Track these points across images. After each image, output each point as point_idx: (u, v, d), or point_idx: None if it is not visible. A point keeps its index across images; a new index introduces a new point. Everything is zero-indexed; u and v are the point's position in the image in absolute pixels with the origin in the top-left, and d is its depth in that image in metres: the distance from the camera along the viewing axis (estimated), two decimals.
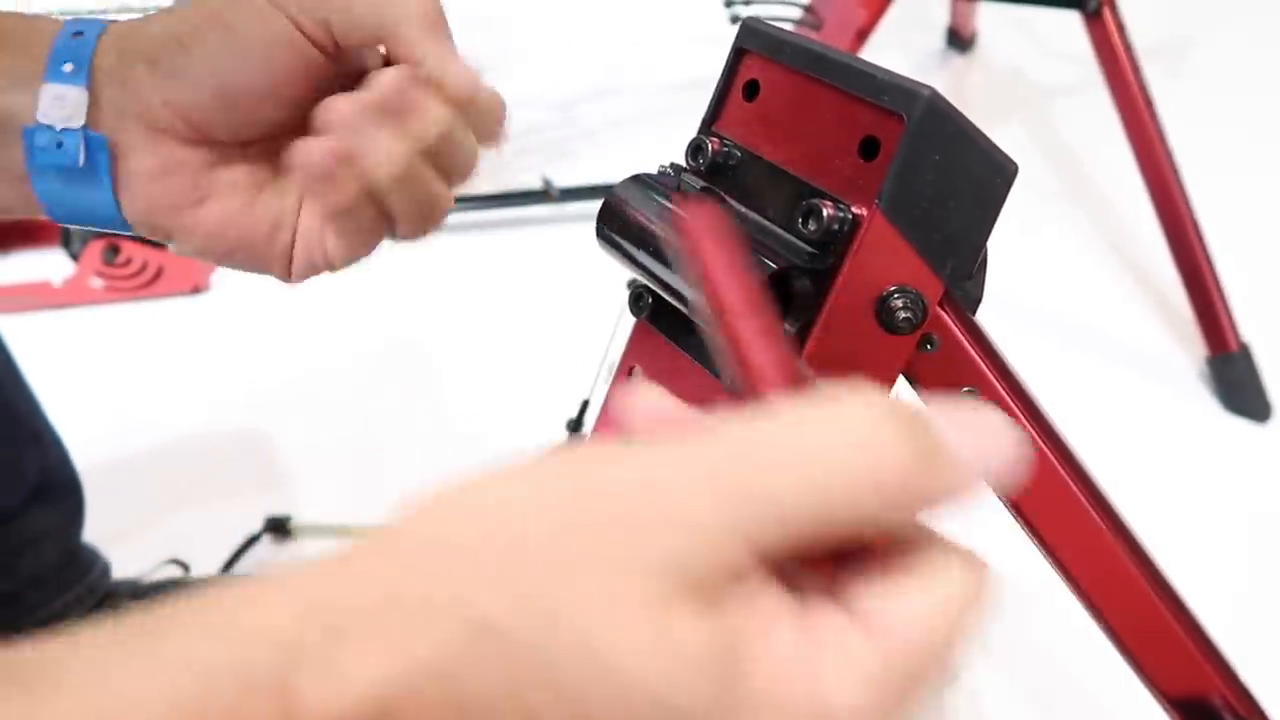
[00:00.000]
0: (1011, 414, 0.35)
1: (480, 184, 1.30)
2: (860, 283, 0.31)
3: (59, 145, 0.34)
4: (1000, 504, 0.35)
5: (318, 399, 1.03)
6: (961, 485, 0.20)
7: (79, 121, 0.33)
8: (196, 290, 1.17)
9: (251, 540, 0.86)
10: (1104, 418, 0.98)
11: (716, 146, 0.35)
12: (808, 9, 1.16)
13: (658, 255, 0.33)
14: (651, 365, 0.38)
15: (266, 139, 0.37)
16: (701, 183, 0.36)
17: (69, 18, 0.36)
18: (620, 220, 0.34)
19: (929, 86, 0.30)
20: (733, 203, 0.35)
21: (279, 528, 0.86)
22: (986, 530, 0.27)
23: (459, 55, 0.37)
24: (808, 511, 0.19)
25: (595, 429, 0.40)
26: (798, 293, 0.32)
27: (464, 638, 0.19)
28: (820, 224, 0.31)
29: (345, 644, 0.19)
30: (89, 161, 0.34)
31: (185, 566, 0.82)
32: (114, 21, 0.35)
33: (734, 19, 1.14)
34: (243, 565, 0.85)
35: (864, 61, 0.31)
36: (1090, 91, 1.22)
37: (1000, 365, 0.34)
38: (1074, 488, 0.34)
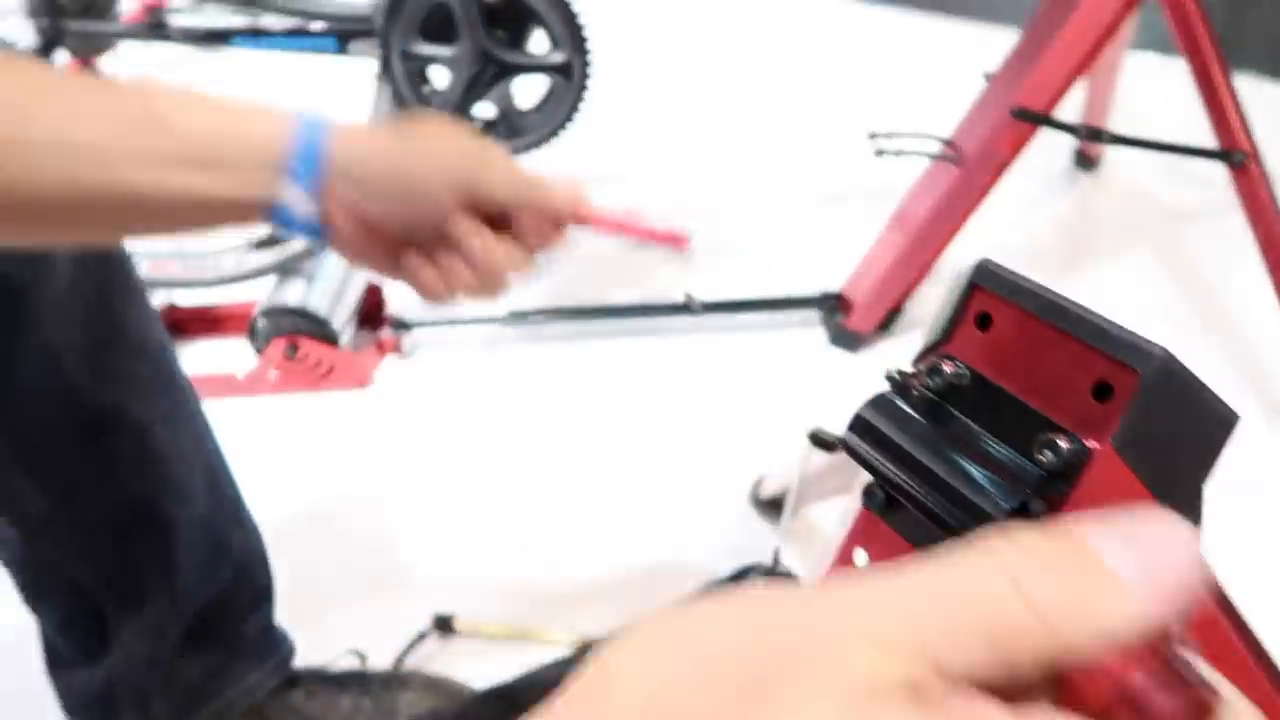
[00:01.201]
0: (1224, 626, 0.38)
1: (624, 293, 1.38)
2: (1090, 507, 0.36)
3: (297, 224, 0.55)
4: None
5: (477, 494, 1.10)
6: (1123, 614, 0.19)
7: (313, 211, 0.55)
8: (361, 385, 1.26)
9: (420, 636, 0.92)
10: (1241, 552, 0.98)
11: (952, 369, 0.39)
12: (947, 143, 1.22)
13: (908, 469, 0.38)
14: (877, 551, 0.42)
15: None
16: (933, 396, 0.41)
17: (297, 123, 0.55)
18: (872, 434, 0.39)
19: (1161, 346, 0.34)
20: (964, 420, 0.40)
21: (445, 625, 0.93)
22: None
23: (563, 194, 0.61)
24: (980, 648, 0.19)
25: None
26: (1033, 513, 0.36)
27: None
28: (1058, 455, 0.35)
29: None
30: (314, 232, 0.57)
31: (363, 657, 0.89)
32: (328, 130, 0.56)
33: (878, 152, 1.20)
34: (412, 659, 0.91)
35: (1098, 314, 0.36)
36: (1224, 216, 1.23)
37: (1213, 583, 0.37)
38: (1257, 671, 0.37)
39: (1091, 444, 0.35)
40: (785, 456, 1.02)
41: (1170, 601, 0.20)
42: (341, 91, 1.35)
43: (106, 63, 1.37)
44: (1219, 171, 1.08)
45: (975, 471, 0.37)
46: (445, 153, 0.57)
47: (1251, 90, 1.08)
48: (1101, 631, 0.19)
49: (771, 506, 1.03)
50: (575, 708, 0.20)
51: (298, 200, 0.53)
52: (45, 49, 1.23)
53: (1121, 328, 0.36)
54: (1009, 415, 0.38)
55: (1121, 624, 0.19)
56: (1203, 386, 0.35)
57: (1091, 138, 1.17)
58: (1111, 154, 1.71)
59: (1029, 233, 1.57)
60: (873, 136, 1.21)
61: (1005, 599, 0.19)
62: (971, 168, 1.17)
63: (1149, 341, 0.35)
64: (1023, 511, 0.36)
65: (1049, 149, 1.69)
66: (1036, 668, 0.19)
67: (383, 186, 0.55)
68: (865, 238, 1.35)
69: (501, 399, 1.21)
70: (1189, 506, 0.36)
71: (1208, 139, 1.09)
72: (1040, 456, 0.36)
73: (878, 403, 0.41)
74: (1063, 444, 0.35)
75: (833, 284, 1.33)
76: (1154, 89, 1.75)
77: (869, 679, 0.19)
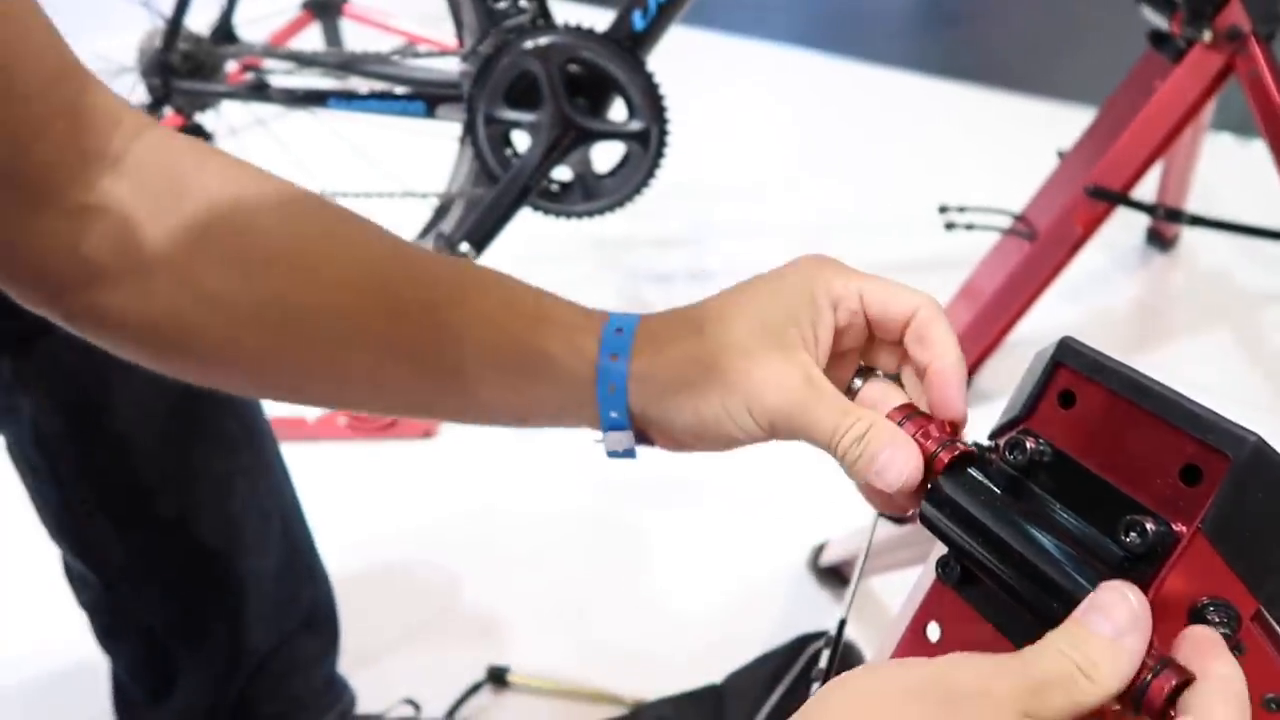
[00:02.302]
0: None
1: None
2: (1177, 592, 0.35)
3: (620, 452, 0.46)
4: None
5: (535, 548, 1.10)
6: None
7: (631, 445, 0.46)
8: (427, 435, 1.29)
9: (474, 688, 0.92)
10: None
11: (1034, 445, 0.39)
12: (1019, 219, 1.22)
13: (986, 544, 0.37)
14: (950, 625, 0.42)
15: None
16: (1013, 471, 0.40)
17: (598, 333, 0.46)
18: (950, 507, 0.39)
19: (1254, 433, 0.34)
20: (1044, 495, 0.39)
21: (499, 678, 0.93)
22: None
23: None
24: (1068, 708, 0.30)
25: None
26: None
27: None
28: (1144, 538, 0.35)
29: None
30: (639, 443, 0.47)
31: (417, 706, 0.89)
32: (619, 350, 0.45)
33: (949, 225, 1.20)
34: (465, 711, 0.91)
35: (1185, 397, 0.36)
36: None
37: None
38: None
39: (1179, 528, 0.35)
40: (847, 524, 1.01)
41: (1139, 641, 0.32)
42: (426, 153, 1.40)
43: (207, 119, 1.44)
44: None
45: (1055, 549, 0.36)
46: (740, 379, 0.42)
47: None
48: (1119, 675, 0.31)
49: (832, 574, 1.02)
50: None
51: (614, 441, 0.46)
52: (154, 106, 1.30)
53: (1211, 411, 0.36)
54: (1091, 494, 0.38)
55: (1126, 666, 0.32)
56: None
57: (1170, 218, 1.16)
58: (1187, 235, 1.68)
59: (1102, 310, 1.55)
60: (943, 210, 1.21)
61: (1075, 675, 0.31)
62: (1045, 243, 1.16)
63: (1240, 426, 0.34)
64: None
65: (1124, 227, 1.67)
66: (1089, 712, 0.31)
67: (684, 425, 0.44)
68: None
69: (563, 455, 1.22)
70: None
71: None
72: (1125, 538, 0.35)
73: (957, 476, 0.41)
74: (1150, 526, 0.35)
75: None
76: (1232, 170, 1.73)
77: (1009, 715, 0.29)
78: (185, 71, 1.28)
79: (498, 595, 1.04)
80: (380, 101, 1.25)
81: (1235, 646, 0.36)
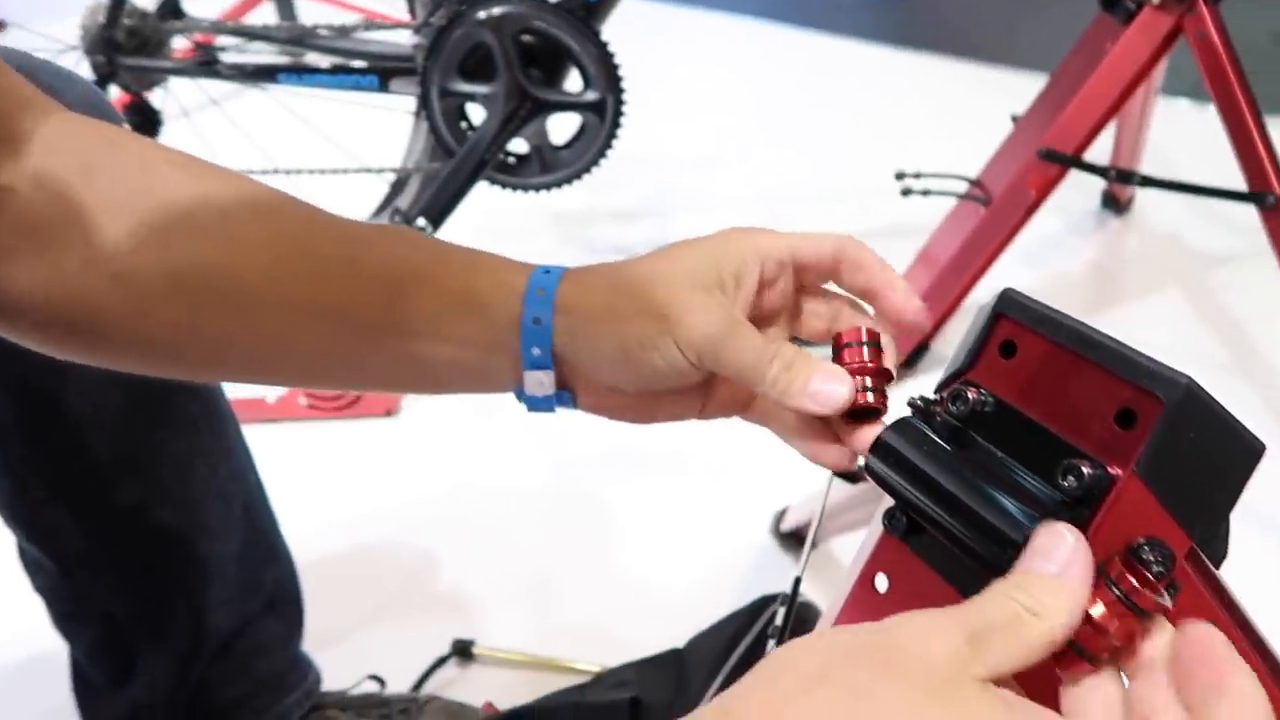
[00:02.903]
0: (1245, 656, 0.38)
1: None
2: (1113, 533, 0.36)
3: (539, 399, 0.46)
4: None
5: (499, 523, 1.10)
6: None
7: (552, 390, 0.45)
8: (389, 413, 1.28)
9: (439, 662, 0.92)
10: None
11: (976, 396, 0.40)
12: (975, 184, 1.23)
13: (930, 494, 0.38)
14: (898, 575, 0.42)
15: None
16: (956, 423, 0.41)
17: (529, 275, 0.46)
18: (895, 458, 0.39)
19: (1186, 375, 0.34)
20: (987, 445, 0.40)
21: (464, 651, 0.93)
22: None
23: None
24: (1017, 651, 0.30)
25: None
26: None
27: None
28: (1081, 481, 0.35)
29: None
30: (560, 402, 0.47)
31: (382, 682, 0.89)
32: (546, 286, 0.45)
33: (905, 191, 1.21)
34: (431, 684, 0.91)
35: (1120, 344, 0.37)
36: (1257, 260, 1.23)
37: (1239, 613, 0.37)
38: None
39: (1115, 470, 0.36)
40: (807, 490, 1.02)
41: (1083, 576, 0.32)
42: (381, 128, 1.38)
43: (156, 98, 1.41)
44: (1250, 216, 1.08)
45: (997, 496, 0.37)
46: (665, 309, 0.42)
47: None
48: (1067, 610, 0.31)
49: (793, 539, 1.03)
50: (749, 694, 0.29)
51: (535, 384, 0.45)
52: (100, 84, 1.27)
53: (1146, 356, 0.36)
54: (1032, 442, 0.39)
55: (1073, 601, 0.31)
56: (1228, 415, 0.35)
57: (1122, 180, 1.17)
58: (1142, 198, 1.71)
59: (1057, 273, 1.57)
60: (899, 176, 1.22)
61: (1021, 615, 0.31)
62: (999, 208, 1.17)
63: (1173, 370, 0.35)
64: None
65: (1079, 190, 1.69)
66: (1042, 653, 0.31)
67: (608, 355, 0.44)
68: None
69: (526, 428, 1.22)
70: (1214, 533, 0.36)
71: (1239, 184, 1.09)
72: (1063, 482, 0.36)
73: (901, 427, 0.41)
74: (1086, 470, 0.35)
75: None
76: (1186, 135, 1.75)
77: (948, 669, 0.29)
78: (130, 48, 1.26)
79: (462, 571, 1.04)
80: (332, 76, 1.23)
81: (1170, 585, 0.37)
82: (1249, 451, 0.35)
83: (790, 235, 0.45)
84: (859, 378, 0.45)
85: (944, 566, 0.40)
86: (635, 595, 1.00)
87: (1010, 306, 0.41)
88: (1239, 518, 0.37)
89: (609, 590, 1.01)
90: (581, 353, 0.44)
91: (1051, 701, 0.31)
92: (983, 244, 1.19)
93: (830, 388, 0.42)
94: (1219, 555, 0.36)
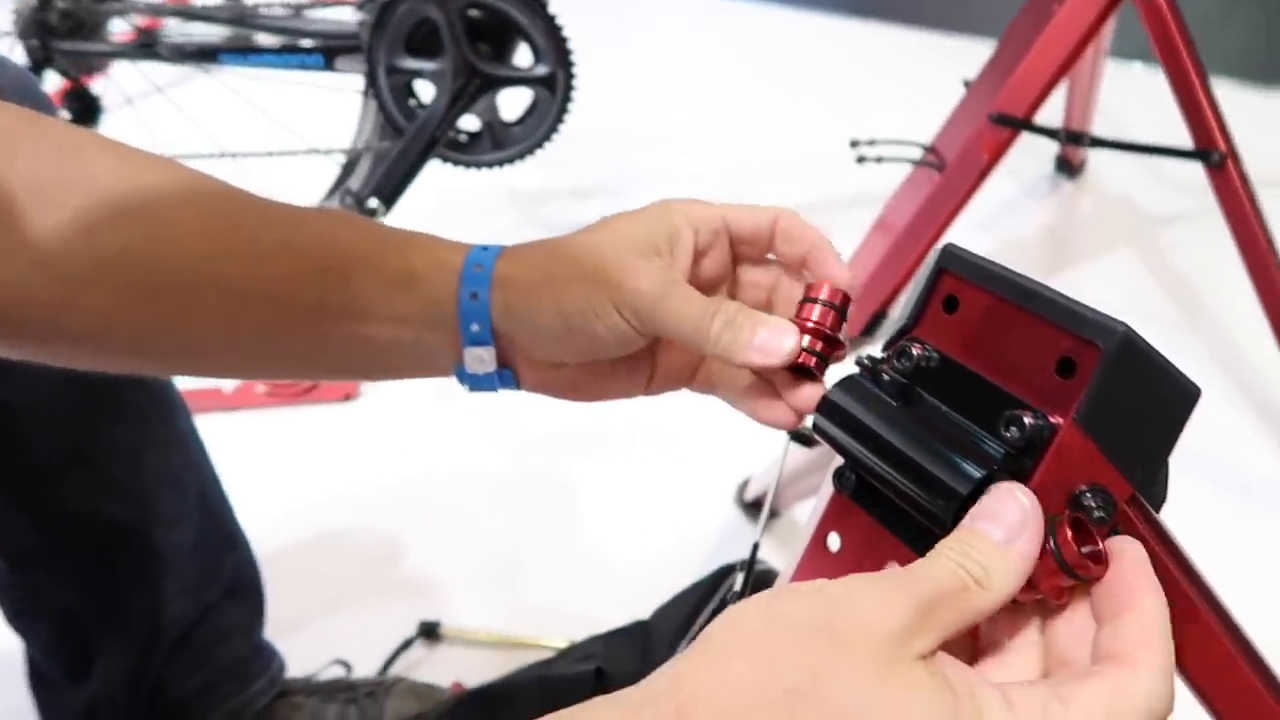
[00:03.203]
0: (1188, 600, 0.39)
1: None
2: (1056, 481, 0.36)
3: (480, 377, 0.46)
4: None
5: (460, 504, 1.10)
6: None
7: (493, 367, 0.45)
8: (348, 398, 1.27)
9: (406, 644, 0.92)
10: (1233, 558, 0.98)
11: (920, 351, 0.40)
12: (929, 150, 1.23)
13: (876, 450, 0.38)
14: (849, 534, 0.43)
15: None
16: (903, 380, 0.41)
17: (466, 253, 0.45)
18: (841, 416, 0.39)
19: (1124, 323, 0.35)
20: (932, 401, 0.40)
21: (430, 632, 0.92)
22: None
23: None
24: (958, 616, 0.30)
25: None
26: None
27: None
28: (1023, 431, 0.35)
29: None
30: (502, 381, 0.46)
31: (348, 667, 0.88)
32: (483, 262, 0.44)
33: (860, 159, 1.21)
34: (398, 667, 0.91)
35: (1061, 295, 0.37)
36: (1204, 219, 1.25)
37: (1179, 554, 0.38)
38: (1248, 670, 0.38)
39: (1055, 420, 0.36)
40: (771, 458, 1.03)
41: (1032, 542, 0.32)
42: (330, 108, 1.36)
43: (100, 86, 1.38)
44: (1201, 177, 1.09)
45: (942, 449, 0.37)
46: (603, 274, 0.42)
47: (1228, 97, 1.09)
48: (1013, 579, 0.31)
49: (758, 508, 1.04)
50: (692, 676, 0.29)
51: (475, 361, 0.45)
52: (35, 70, 1.24)
53: (1084, 305, 0.36)
54: (976, 395, 0.39)
55: (1018, 570, 0.32)
56: (1164, 361, 0.35)
57: (1072, 141, 1.18)
58: (1094, 161, 1.72)
59: (1012, 237, 1.58)
60: (854, 144, 1.22)
61: (968, 585, 0.31)
62: (953, 173, 1.17)
63: (1110, 318, 0.35)
64: (987, 486, 0.36)
65: (1032, 155, 1.71)
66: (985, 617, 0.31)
67: (547, 326, 0.43)
68: (849, 244, 1.35)
69: (486, 411, 1.21)
70: (1153, 479, 0.36)
71: (1188, 145, 1.11)
72: (1005, 433, 0.36)
73: (847, 385, 0.41)
74: (1027, 420, 0.35)
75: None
76: (1138, 98, 1.77)
77: (896, 649, 0.28)
78: (65, 31, 1.22)
79: (427, 553, 1.04)
80: (276, 56, 1.21)
81: (1112, 531, 0.38)
82: (1185, 395, 0.36)
83: (724, 205, 0.45)
84: (806, 337, 0.45)
85: (894, 523, 0.40)
86: (602, 571, 1.01)
87: (952, 262, 0.41)
88: (1178, 462, 0.38)
89: (576, 567, 1.01)
90: (521, 326, 0.44)
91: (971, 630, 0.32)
92: (938, 209, 1.20)
93: (776, 339, 0.43)
94: (1159, 499, 0.37)
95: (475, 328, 0.44)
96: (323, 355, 0.46)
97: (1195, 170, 1.07)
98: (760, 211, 0.45)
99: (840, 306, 0.46)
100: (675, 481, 1.12)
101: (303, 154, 1.25)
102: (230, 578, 0.80)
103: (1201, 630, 0.39)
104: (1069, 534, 0.33)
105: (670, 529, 1.05)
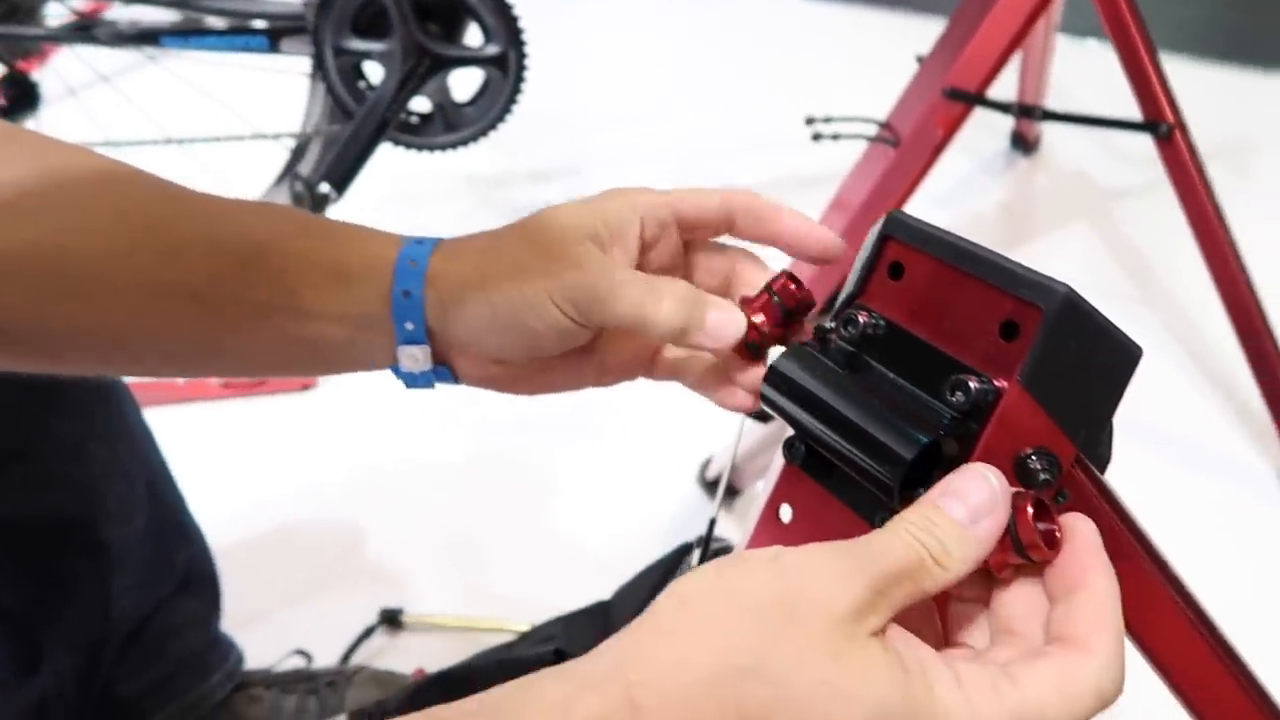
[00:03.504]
0: (1135, 558, 0.39)
1: None
2: (1002, 444, 0.36)
3: (416, 376, 0.45)
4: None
5: (421, 492, 1.09)
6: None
7: (429, 365, 0.44)
8: (305, 388, 1.25)
9: (368, 632, 0.91)
10: (1183, 524, 1.00)
11: (866, 319, 0.40)
12: (884, 126, 1.23)
13: (823, 418, 0.38)
14: (800, 505, 0.42)
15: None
16: (850, 348, 0.41)
17: (400, 248, 0.44)
18: (788, 385, 0.39)
19: (1065, 284, 0.35)
20: (879, 368, 0.40)
21: (392, 620, 0.92)
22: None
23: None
24: (911, 591, 0.30)
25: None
26: (945, 454, 0.36)
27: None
28: (968, 396, 0.35)
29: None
30: (439, 377, 0.45)
31: (309, 657, 0.87)
32: (418, 257, 0.43)
33: (815, 136, 1.21)
34: (359, 655, 0.90)
35: (1004, 258, 0.37)
36: (1156, 193, 1.26)
37: (1126, 515, 0.38)
38: (1193, 627, 0.38)
39: (1000, 383, 0.36)
40: (732, 437, 1.03)
41: (995, 525, 0.31)
42: (278, 93, 1.33)
43: (43, 77, 1.34)
44: (1153, 152, 1.10)
45: (889, 416, 0.37)
46: (539, 266, 0.41)
47: (1177, 71, 1.10)
48: (970, 561, 0.31)
49: (717, 486, 1.04)
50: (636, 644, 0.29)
51: (409, 359, 0.44)
52: None
53: (1026, 268, 0.36)
54: (923, 361, 0.39)
55: (978, 553, 0.31)
56: (1106, 321, 0.35)
57: (1024, 114, 1.19)
58: (1049, 137, 1.74)
59: (968, 214, 1.59)
60: (809, 122, 1.22)
61: (925, 563, 0.30)
62: (908, 149, 1.18)
63: (1052, 279, 0.35)
64: (934, 451, 0.36)
65: (988, 131, 1.72)
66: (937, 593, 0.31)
67: (482, 324, 0.42)
68: None
69: (445, 397, 1.20)
70: (1097, 439, 0.36)
71: (1138, 117, 1.11)
72: (951, 398, 0.36)
73: (794, 354, 0.41)
74: (972, 384, 0.35)
75: (776, 268, 1.34)
76: (1089, 74, 1.79)
77: (850, 626, 0.28)
78: None
79: (387, 541, 1.03)
80: (219, 38, 1.18)
81: (1059, 493, 0.38)
82: (1127, 355, 0.36)
83: (672, 192, 0.44)
84: (760, 315, 0.44)
85: (844, 492, 0.40)
86: (565, 553, 1.00)
87: (896, 228, 0.40)
88: (1130, 431, 0.38)
89: (538, 551, 1.01)
90: (455, 325, 0.43)
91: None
92: (893, 186, 1.20)
93: (724, 320, 0.42)
94: (1104, 460, 0.37)
95: (409, 326, 0.43)
96: (255, 353, 0.45)
97: (1148, 146, 1.08)
98: (711, 195, 0.44)
99: (797, 291, 0.45)
100: (637, 462, 1.11)
101: (251, 139, 1.22)
102: (184, 571, 0.79)
103: (1147, 588, 0.39)
104: (1029, 516, 0.32)
105: (633, 510, 1.05)
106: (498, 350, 0.43)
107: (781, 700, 0.27)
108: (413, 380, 0.45)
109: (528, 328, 0.41)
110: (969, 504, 0.31)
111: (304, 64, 1.22)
